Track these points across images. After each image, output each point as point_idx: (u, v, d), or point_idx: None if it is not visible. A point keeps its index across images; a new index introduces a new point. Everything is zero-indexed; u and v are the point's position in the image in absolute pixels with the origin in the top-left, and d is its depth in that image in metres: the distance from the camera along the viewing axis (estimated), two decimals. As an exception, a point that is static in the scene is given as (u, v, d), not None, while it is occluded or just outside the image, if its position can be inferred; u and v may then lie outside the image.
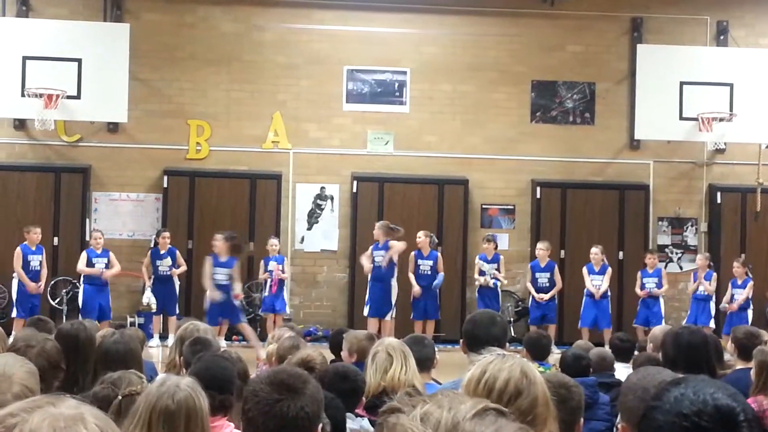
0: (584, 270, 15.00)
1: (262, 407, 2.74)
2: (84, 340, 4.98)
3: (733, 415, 1.54)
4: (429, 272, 14.57)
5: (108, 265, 14.18)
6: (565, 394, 3.61)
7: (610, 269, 14.98)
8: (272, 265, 14.71)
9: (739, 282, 14.67)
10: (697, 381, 1.67)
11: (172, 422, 3.00)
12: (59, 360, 4.44)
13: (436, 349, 5.60)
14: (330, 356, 6.86)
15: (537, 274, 15.01)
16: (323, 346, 9.46)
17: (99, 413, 1.63)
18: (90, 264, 14.14)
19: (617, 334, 8.66)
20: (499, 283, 14.92)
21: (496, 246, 15.11)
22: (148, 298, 14.28)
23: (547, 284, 14.96)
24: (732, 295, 14.62)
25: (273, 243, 14.82)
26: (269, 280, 14.64)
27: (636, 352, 7.70)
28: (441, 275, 14.51)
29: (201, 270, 14.68)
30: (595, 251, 14.93)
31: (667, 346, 4.95)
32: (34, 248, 14.07)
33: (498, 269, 14.85)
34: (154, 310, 14.34)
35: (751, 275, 14.70)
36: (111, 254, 14.32)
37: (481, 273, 14.86)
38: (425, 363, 5.26)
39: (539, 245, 15.13)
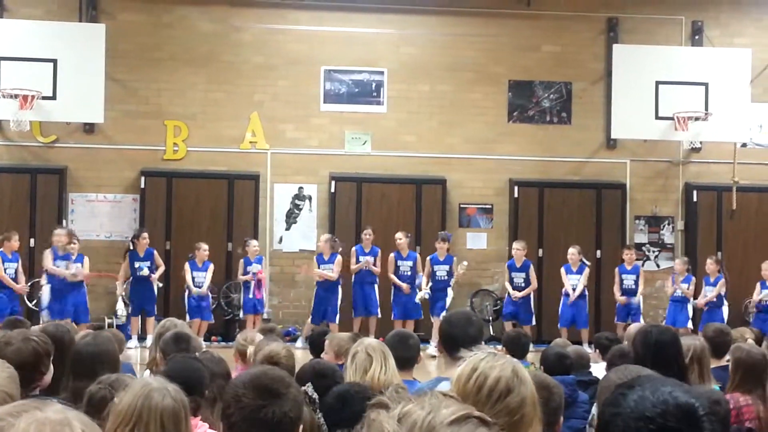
0: (562, 270, 15.06)
1: (247, 413, 2.74)
2: (68, 342, 4.95)
3: (694, 410, 1.56)
4: (409, 273, 14.64)
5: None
6: (546, 395, 3.64)
7: (587, 269, 15.02)
8: (255, 267, 14.72)
9: (712, 279, 14.76)
10: (651, 381, 1.67)
11: (160, 424, 2.99)
12: (37, 361, 4.38)
13: (420, 346, 5.62)
14: (309, 357, 6.87)
15: (513, 274, 15.04)
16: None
17: (85, 418, 1.62)
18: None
19: (603, 333, 8.70)
20: (449, 291, 14.55)
21: (449, 247, 14.80)
22: (121, 309, 14.23)
23: (523, 284, 14.99)
24: (705, 294, 14.72)
25: (254, 244, 14.84)
26: (252, 282, 14.66)
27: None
28: (422, 277, 14.54)
29: (179, 271, 14.73)
30: (573, 252, 14.97)
31: (637, 344, 4.97)
32: (10, 256, 13.87)
33: (450, 271, 14.54)
34: (123, 322, 14.28)
35: (723, 273, 14.79)
36: (85, 259, 14.09)
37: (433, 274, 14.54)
38: (409, 360, 5.29)
39: (515, 245, 15.17)
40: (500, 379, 2.66)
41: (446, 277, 14.52)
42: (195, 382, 3.97)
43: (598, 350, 7.88)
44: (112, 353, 4.89)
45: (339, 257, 14.53)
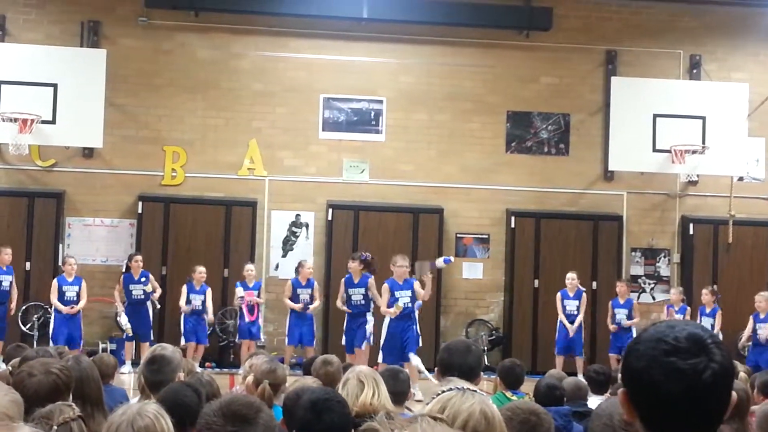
0: (558, 295, 14.92)
1: None
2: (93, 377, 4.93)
3: (703, 338, 1.90)
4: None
5: (78, 295, 14.10)
6: (535, 421, 3.63)
7: (585, 295, 14.92)
8: (240, 290, 14.62)
9: (708, 310, 14.70)
10: (671, 320, 2.01)
11: None
12: (55, 396, 4.34)
13: (411, 383, 5.59)
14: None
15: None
16: (297, 373, 9.42)
17: None
18: (61, 292, 14.06)
19: (593, 366, 8.65)
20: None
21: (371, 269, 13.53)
22: (126, 322, 14.16)
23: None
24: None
25: (249, 268, 14.77)
26: (243, 307, 14.60)
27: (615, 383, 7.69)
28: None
29: (176, 297, 14.69)
30: (572, 276, 14.87)
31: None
32: (5, 268, 13.98)
33: (366, 293, 13.28)
34: (131, 334, 14.21)
35: (719, 305, 14.75)
36: (83, 282, 14.22)
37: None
38: (399, 396, 5.26)
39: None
40: (468, 422, 2.67)
41: (363, 302, 13.39)
42: (185, 410, 3.95)
43: (586, 381, 7.83)
44: (94, 377, 4.87)
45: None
